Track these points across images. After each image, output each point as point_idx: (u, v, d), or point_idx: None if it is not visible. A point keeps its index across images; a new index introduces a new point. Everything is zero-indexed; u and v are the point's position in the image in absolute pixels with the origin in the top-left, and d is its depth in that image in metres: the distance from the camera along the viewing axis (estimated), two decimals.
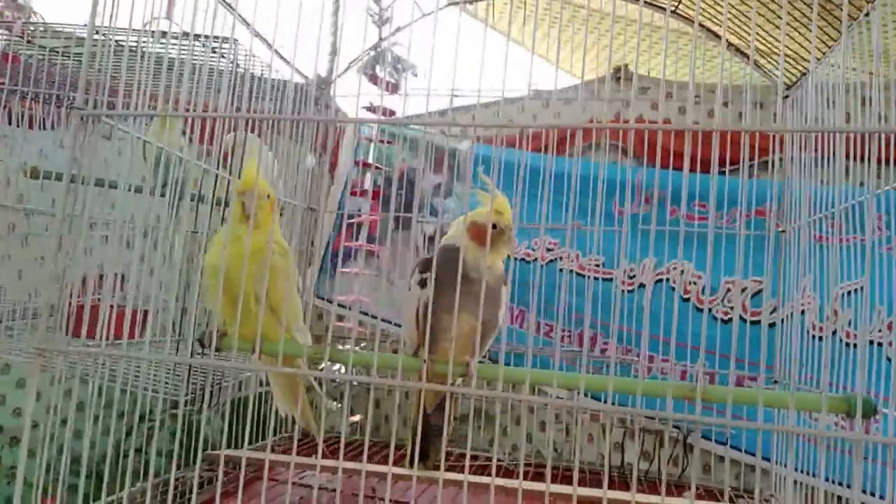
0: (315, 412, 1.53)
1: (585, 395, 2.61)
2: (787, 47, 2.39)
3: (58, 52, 1.86)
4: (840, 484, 2.05)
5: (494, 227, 1.33)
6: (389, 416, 3.03)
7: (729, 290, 2.93)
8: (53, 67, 1.95)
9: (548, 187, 2.52)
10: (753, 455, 2.58)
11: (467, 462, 1.25)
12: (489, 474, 2.24)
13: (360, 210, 2.27)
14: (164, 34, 1.39)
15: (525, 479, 1.25)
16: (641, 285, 3.01)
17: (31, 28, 1.86)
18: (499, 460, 2.46)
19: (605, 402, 1.25)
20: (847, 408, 1.21)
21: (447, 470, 1.62)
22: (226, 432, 1.33)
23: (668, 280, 2.97)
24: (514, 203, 1.67)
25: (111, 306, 1.34)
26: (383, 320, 2.98)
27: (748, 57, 2.65)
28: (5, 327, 2.01)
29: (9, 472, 2.48)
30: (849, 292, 2.42)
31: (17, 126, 2.11)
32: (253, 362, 1.35)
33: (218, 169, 1.70)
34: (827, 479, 1.99)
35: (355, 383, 2.36)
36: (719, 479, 2.67)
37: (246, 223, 1.32)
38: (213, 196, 1.66)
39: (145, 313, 1.58)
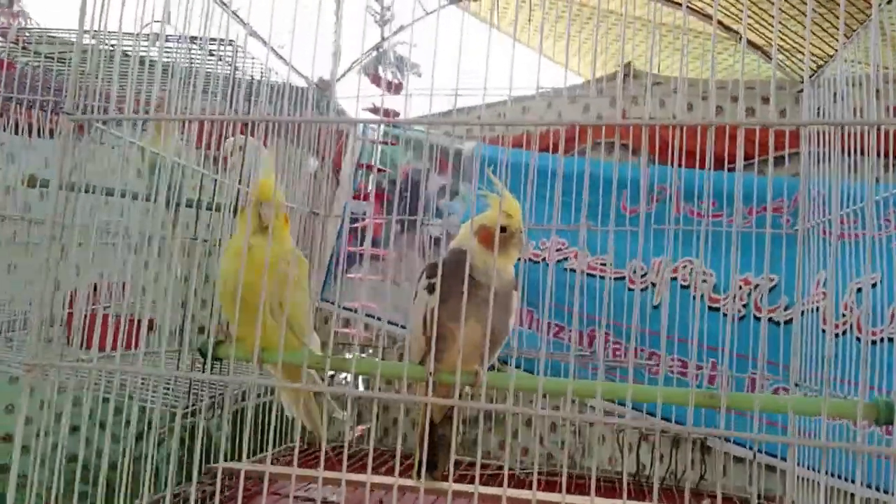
0: (322, 414, 1.50)
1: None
2: (799, 43, 2.33)
3: (53, 59, 1.82)
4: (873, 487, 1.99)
5: (504, 230, 1.28)
6: (398, 420, 2.98)
7: (741, 287, 2.88)
8: (49, 74, 1.92)
9: (557, 187, 2.46)
10: (772, 456, 2.52)
11: (478, 472, 1.20)
12: (500, 483, 2.20)
13: (364, 213, 2.23)
14: (157, 37, 1.35)
15: (538, 488, 1.20)
16: (653, 284, 2.96)
17: (27, 34, 1.82)
18: (510, 469, 2.41)
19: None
20: (876, 413, 1.15)
21: (457, 479, 1.57)
22: (228, 444, 1.29)
23: (678, 279, 2.93)
24: (522, 204, 1.62)
25: (107, 316, 1.30)
26: (390, 323, 2.94)
27: (762, 51, 2.59)
28: (5, 338, 1.98)
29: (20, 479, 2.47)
30: (859, 289, 2.37)
31: (17, 134, 2.07)
32: (253, 374, 1.31)
33: (217, 174, 1.66)
34: (845, 479, 1.93)
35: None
36: (737, 483, 2.61)
37: (260, 233, 1.30)
38: (213, 201, 1.62)
39: (146, 322, 1.54)
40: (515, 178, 2.28)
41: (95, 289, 1.53)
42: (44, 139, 2.15)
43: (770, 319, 2.76)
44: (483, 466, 2.43)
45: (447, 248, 1.34)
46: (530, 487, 1.19)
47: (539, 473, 2.47)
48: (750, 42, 2.73)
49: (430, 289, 1.27)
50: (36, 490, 1.27)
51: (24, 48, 1.80)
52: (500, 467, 2.35)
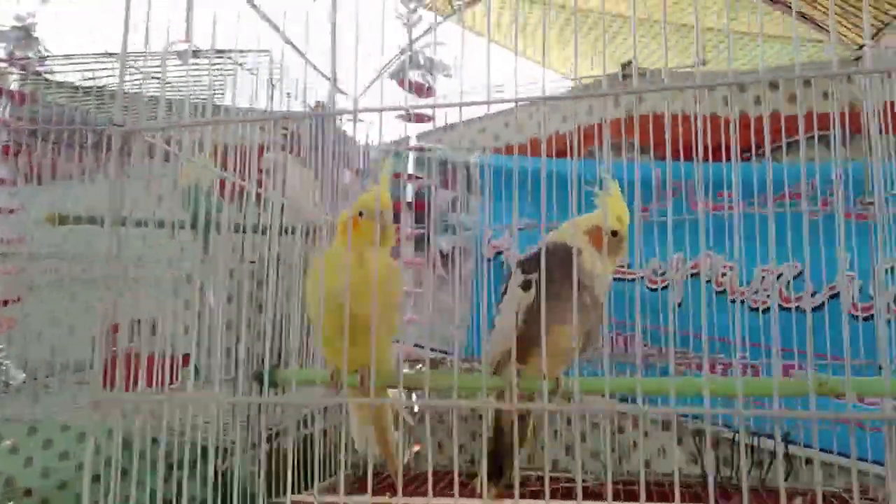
0: (396, 444, 1.43)
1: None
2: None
3: (77, 90, 1.78)
4: None
5: (615, 234, 1.24)
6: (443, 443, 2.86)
7: (764, 277, 2.84)
8: (73, 109, 1.85)
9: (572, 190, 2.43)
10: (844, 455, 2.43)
11: (546, 477, 1.13)
12: (567, 495, 2.08)
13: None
14: (193, 54, 1.31)
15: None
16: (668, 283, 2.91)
17: (47, 66, 1.77)
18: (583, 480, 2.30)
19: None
20: None
21: (523, 496, 1.49)
22: (294, 474, 1.22)
23: (699, 275, 2.87)
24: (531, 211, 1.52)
25: (152, 355, 1.25)
26: (416, 345, 2.82)
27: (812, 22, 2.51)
28: (44, 386, 1.90)
29: None
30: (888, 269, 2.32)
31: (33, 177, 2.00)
32: (317, 397, 1.25)
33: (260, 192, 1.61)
34: None
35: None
36: (804, 482, 2.50)
37: (370, 246, 1.24)
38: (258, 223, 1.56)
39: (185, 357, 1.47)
40: (522, 185, 2.24)
41: (138, 325, 1.46)
42: (58, 181, 2.07)
43: (798, 309, 2.71)
44: (552, 480, 2.33)
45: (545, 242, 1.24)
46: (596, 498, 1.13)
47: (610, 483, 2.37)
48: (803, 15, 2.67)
49: (526, 286, 1.21)
50: None
51: (45, 80, 1.75)
52: (570, 479, 2.25)
